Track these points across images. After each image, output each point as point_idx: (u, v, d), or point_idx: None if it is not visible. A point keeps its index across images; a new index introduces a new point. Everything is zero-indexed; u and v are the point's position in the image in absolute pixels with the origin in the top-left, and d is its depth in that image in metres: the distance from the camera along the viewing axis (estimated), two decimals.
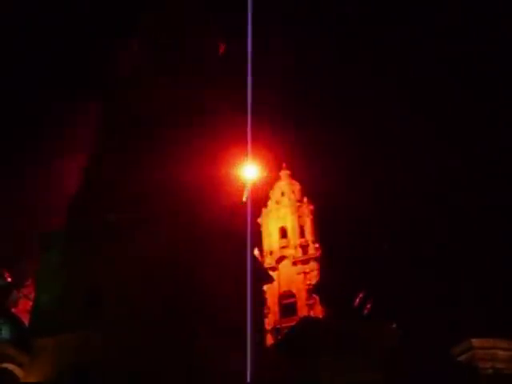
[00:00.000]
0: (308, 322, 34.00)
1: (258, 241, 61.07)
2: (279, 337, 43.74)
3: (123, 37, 37.18)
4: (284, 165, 68.91)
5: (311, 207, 64.89)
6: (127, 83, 33.38)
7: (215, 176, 30.23)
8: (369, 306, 32.93)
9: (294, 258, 59.62)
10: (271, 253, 60.85)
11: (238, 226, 29.72)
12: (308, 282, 56.47)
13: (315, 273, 57.46)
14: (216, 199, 29.25)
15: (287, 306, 56.33)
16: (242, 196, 33.51)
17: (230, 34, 40.33)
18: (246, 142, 33.68)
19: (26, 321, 30.99)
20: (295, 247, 60.66)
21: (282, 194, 66.17)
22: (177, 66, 32.39)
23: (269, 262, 58.28)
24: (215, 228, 27.07)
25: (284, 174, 68.26)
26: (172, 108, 30.40)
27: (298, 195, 66.29)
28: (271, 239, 62.47)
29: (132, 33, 36.90)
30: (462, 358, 30.35)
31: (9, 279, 35.03)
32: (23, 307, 35.36)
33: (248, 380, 23.87)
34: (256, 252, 54.37)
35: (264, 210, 64.92)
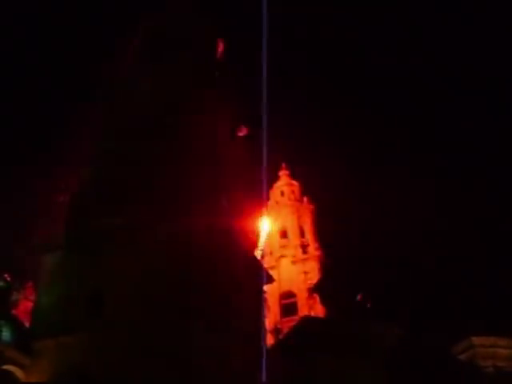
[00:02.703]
0: (309, 321, 34.06)
1: (257, 241, 60.98)
2: (280, 336, 43.67)
3: (123, 37, 37.15)
4: (283, 165, 68.90)
5: (311, 207, 64.86)
6: (127, 84, 33.30)
7: (219, 177, 30.20)
8: (368, 305, 32.93)
9: (294, 257, 59.59)
10: (271, 253, 60.82)
11: (239, 228, 29.71)
12: (308, 282, 56.41)
13: (315, 272, 57.42)
14: (219, 201, 29.22)
15: (287, 306, 56.28)
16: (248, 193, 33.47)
17: (229, 33, 40.37)
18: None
19: (26, 322, 30.99)
20: (295, 247, 60.63)
21: (282, 193, 66.16)
22: (177, 66, 32.33)
23: (269, 261, 58.23)
24: (216, 230, 27.03)
25: (283, 173, 68.25)
26: (172, 109, 30.35)
27: (297, 195, 66.28)
28: (271, 239, 62.44)
29: (131, 33, 36.84)
30: (463, 356, 30.42)
31: (9, 280, 35.05)
32: (24, 309, 35.37)
33: (263, 380, 23.91)
34: (256, 252, 54.34)
35: (263, 210, 64.86)
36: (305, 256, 59.72)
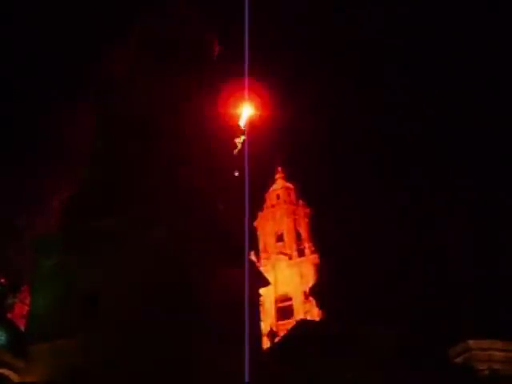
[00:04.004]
0: (305, 324, 34.05)
1: (254, 244, 61.11)
2: (276, 340, 43.62)
3: (120, 37, 37.10)
4: (279, 168, 68.96)
5: (307, 210, 64.92)
6: (124, 83, 33.18)
7: (215, 180, 30.18)
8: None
9: (290, 260, 59.62)
10: (268, 256, 60.79)
11: (235, 230, 29.62)
12: (304, 285, 56.44)
13: (311, 275, 57.46)
14: (215, 201, 29.19)
15: (284, 309, 56.28)
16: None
17: (226, 32, 40.37)
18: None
19: (21, 326, 30.83)
20: (291, 250, 60.64)
21: (278, 197, 66.19)
22: (175, 66, 32.25)
23: (265, 264, 58.20)
24: (213, 231, 27.00)
25: (279, 177, 68.32)
26: (169, 109, 30.26)
27: (293, 198, 66.34)
28: (267, 242, 62.44)
29: (129, 33, 36.76)
30: (460, 359, 30.49)
31: (3, 283, 34.88)
32: (19, 312, 35.18)
33: (246, 381, 23.78)
34: (252, 255, 54.24)
35: (260, 214, 64.92)
36: (301, 259, 59.73)
